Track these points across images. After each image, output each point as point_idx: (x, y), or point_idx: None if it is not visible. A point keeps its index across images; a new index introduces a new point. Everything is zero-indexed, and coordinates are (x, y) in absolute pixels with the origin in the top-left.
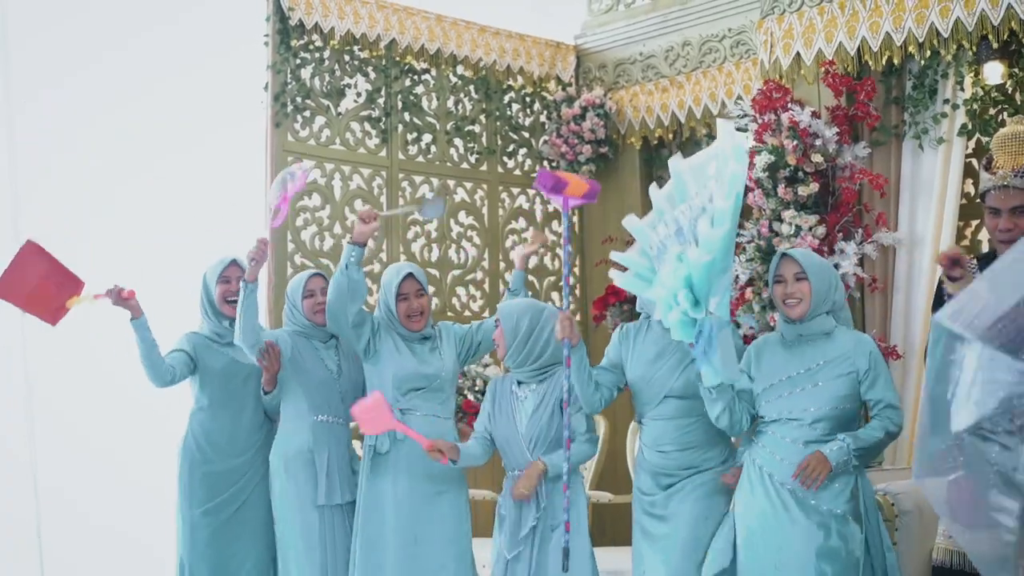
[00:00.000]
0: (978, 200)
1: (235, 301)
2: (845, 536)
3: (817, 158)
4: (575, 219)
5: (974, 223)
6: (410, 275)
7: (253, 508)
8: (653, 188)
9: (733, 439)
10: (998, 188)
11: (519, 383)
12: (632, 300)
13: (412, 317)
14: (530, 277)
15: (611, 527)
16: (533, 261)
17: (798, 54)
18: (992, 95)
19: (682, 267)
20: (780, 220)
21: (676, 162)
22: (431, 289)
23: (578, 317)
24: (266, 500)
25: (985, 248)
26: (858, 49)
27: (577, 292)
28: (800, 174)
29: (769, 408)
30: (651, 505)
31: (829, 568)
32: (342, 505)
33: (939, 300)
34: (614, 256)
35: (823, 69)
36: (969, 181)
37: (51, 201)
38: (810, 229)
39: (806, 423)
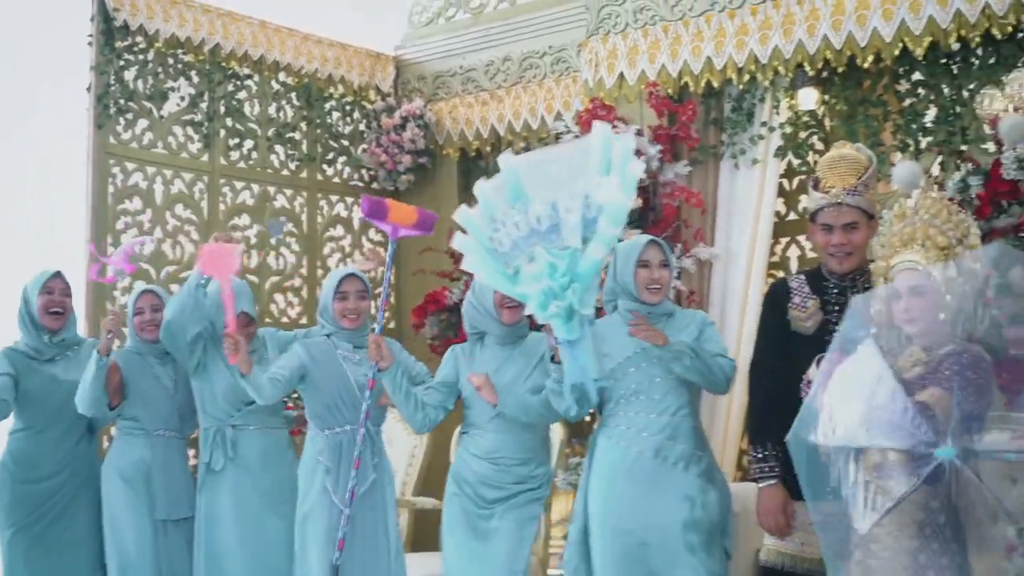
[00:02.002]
0: (806, 217)
1: (57, 313)
2: (707, 505)
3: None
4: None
5: (783, 241)
6: (244, 313)
7: (75, 520)
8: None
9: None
10: (832, 206)
11: (355, 347)
12: (451, 308)
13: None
14: None
15: (435, 533)
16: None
17: (622, 74)
18: (804, 120)
19: (566, 260)
20: None
21: (507, 159)
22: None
23: (393, 325)
24: (91, 512)
25: (795, 266)
26: (680, 71)
27: (392, 300)
28: None
29: (624, 383)
30: (479, 518)
31: (696, 538)
32: (179, 521)
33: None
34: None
35: (647, 90)
36: (780, 200)
37: None
38: None
39: (659, 393)
